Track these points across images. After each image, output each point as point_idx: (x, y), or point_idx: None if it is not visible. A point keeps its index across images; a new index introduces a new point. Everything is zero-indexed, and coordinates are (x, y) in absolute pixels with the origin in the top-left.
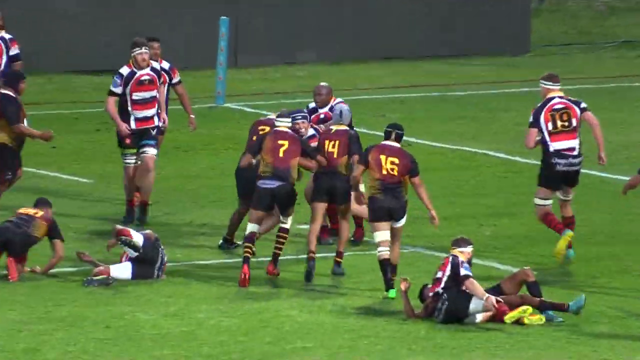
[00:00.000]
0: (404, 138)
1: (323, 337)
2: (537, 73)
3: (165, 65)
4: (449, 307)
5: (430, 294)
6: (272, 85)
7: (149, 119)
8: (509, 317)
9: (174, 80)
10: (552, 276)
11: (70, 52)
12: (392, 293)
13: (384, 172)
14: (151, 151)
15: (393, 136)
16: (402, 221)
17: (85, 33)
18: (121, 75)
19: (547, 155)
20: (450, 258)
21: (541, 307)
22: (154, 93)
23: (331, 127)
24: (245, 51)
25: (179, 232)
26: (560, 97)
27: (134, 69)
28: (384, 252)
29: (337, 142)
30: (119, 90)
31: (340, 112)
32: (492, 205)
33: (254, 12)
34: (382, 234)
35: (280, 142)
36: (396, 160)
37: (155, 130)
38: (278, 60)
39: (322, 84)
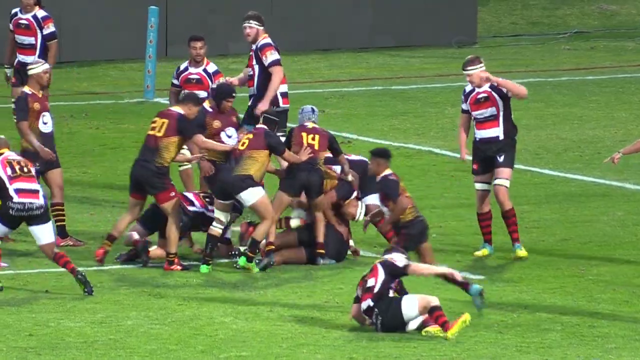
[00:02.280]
0: (345, 135)
1: (259, 345)
2: (485, 65)
3: (211, 68)
4: (383, 320)
5: (363, 304)
6: None
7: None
8: (452, 332)
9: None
10: (501, 280)
11: None
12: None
13: None
14: None
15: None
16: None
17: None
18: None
19: (515, 133)
20: (379, 263)
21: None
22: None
23: (306, 123)
24: (176, 42)
25: (106, 234)
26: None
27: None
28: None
29: (316, 136)
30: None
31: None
32: (438, 206)
33: (185, 1)
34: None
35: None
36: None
37: None
38: (210, 52)
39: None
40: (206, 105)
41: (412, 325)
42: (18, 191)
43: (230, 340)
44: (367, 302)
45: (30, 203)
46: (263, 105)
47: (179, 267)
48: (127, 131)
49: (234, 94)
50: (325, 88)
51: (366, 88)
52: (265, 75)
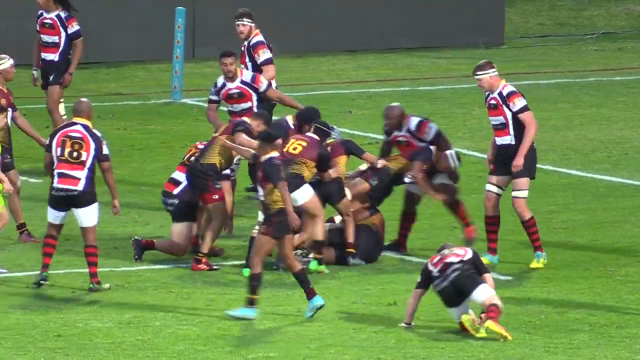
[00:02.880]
0: (372, 136)
1: (287, 346)
2: (512, 66)
3: (247, 77)
4: (457, 277)
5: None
6: None
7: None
8: (483, 331)
9: (261, 89)
10: (529, 281)
11: (19, 45)
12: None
13: None
14: None
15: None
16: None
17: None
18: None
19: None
20: (470, 250)
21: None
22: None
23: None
24: (204, 43)
25: (133, 235)
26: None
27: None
28: None
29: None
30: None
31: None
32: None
33: (213, 1)
34: None
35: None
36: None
37: None
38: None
39: (393, 104)
40: (289, 120)
41: (463, 309)
42: (60, 175)
43: (257, 340)
44: (453, 259)
45: (69, 189)
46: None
47: (206, 267)
48: (154, 132)
49: (315, 119)
50: (352, 89)
51: (393, 89)
52: (258, 73)
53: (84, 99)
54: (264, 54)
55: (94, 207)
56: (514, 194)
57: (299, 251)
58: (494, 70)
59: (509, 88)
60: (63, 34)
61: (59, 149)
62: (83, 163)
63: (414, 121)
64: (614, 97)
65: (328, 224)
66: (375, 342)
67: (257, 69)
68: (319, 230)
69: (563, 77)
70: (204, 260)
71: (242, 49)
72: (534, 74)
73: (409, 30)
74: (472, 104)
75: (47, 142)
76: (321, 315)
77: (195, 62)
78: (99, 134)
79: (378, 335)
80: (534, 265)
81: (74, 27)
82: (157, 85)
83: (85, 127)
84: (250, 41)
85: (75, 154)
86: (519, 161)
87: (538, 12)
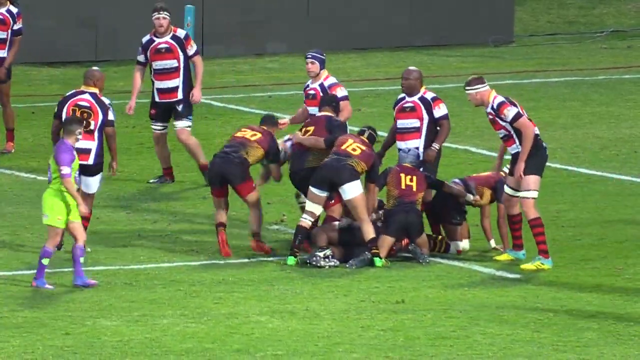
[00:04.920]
0: (382, 134)
1: (295, 344)
2: (521, 64)
3: (180, 33)
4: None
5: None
6: (241, 77)
7: (172, 90)
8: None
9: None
10: (537, 279)
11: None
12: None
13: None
14: (179, 124)
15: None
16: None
17: (43, 23)
18: (141, 42)
19: (537, 140)
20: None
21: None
22: (174, 62)
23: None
24: (213, 41)
25: (142, 233)
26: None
27: (153, 36)
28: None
29: (414, 177)
30: (141, 58)
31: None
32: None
33: (222, 0)
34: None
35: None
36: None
37: (181, 106)
38: (248, 51)
39: (411, 68)
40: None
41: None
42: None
43: (266, 338)
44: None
45: (81, 164)
46: (198, 93)
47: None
48: None
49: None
50: (362, 87)
51: None
52: (189, 64)
53: (95, 68)
54: (194, 46)
55: (99, 177)
56: (522, 194)
57: (322, 252)
58: (482, 85)
59: (498, 99)
60: (9, 31)
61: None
62: (92, 132)
63: (429, 95)
64: (623, 95)
65: (336, 222)
66: (383, 341)
67: (189, 60)
68: (369, 231)
69: (572, 75)
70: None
71: (165, 44)
72: (543, 72)
73: (418, 29)
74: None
75: (56, 109)
76: (329, 314)
77: (204, 60)
78: (106, 101)
79: (386, 333)
80: (525, 267)
81: (19, 24)
82: None
83: (94, 95)
84: (178, 34)
85: (84, 122)
86: (520, 167)
87: (547, 11)
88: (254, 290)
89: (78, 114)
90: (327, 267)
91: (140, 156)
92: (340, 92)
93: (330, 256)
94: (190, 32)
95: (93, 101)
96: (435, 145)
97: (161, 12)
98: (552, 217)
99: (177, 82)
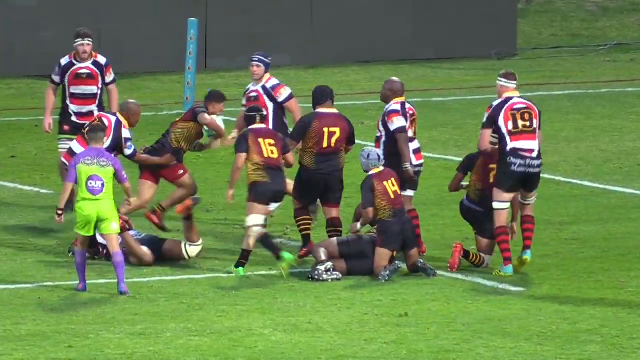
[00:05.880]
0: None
1: (298, 357)
2: (524, 77)
3: (102, 60)
4: None
5: None
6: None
7: (89, 114)
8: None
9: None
10: (540, 292)
11: (31, 56)
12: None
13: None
14: None
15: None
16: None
17: (47, 36)
18: (59, 64)
19: (504, 154)
20: None
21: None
22: (94, 89)
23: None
24: (216, 54)
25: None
26: (519, 97)
27: (73, 60)
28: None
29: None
30: (56, 79)
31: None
32: None
33: (225, 13)
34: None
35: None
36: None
37: None
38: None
39: (391, 78)
40: None
41: None
42: None
43: (269, 352)
44: None
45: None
46: None
47: (156, 220)
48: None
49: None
50: (365, 100)
51: (406, 100)
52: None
53: (132, 100)
54: (285, 91)
55: None
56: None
57: (323, 266)
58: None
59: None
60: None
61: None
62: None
63: (391, 107)
64: (626, 109)
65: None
66: (386, 354)
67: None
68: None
69: (575, 88)
70: (158, 212)
71: (88, 70)
72: (546, 85)
73: (421, 42)
74: (483, 115)
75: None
76: (333, 326)
77: (207, 73)
78: (127, 134)
79: (389, 346)
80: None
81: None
82: (169, 97)
83: (118, 121)
84: (99, 60)
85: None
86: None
87: (551, 24)
88: (257, 303)
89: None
90: (330, 280)
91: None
92: (285, 92)
93: (331, 269)
94: (193, 45)
95: (113, 124)
96: (406, 165)
97: (85, 39)
98: (556, 230)
99: (94, 107)
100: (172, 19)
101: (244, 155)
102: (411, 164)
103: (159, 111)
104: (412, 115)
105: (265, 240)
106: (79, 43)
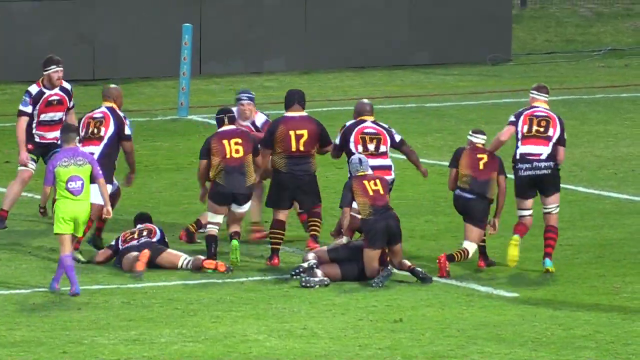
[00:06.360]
0: None
1: None
2: (519, 83)
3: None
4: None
5: None
6: None
7: (53, 138)
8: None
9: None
10: (535, 297)
11: (26, 61)
12: None
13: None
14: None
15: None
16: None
17: (42, 42)
18: (30, 93)
19: (514, 162)
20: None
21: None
22: (61, 114)
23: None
24: (211, 60)
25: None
26: (545, 108)
27: (43, 88)
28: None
29: (377, 182)
30: (29, 109)
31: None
32: None
33: (220, 18)
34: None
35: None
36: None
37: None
38: (245, 69)
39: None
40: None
41: None
42: None
43: (263, 357)
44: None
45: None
46: None
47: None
48: (160, 149)
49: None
50: None
51: (400, 105)
52: None
53: (113, 85)
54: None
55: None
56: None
57: (306, 264)
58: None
59: None
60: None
61: (83, 131)
62: (101, 138)
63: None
64: (621, 114)
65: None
66: (381, 359)
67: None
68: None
69: (570, 93)
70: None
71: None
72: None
73: (416, 47)
74: (479, 120)
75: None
76: (327, 332)
77: (202, 78)
78: (122, 114)
79: (384, 352)
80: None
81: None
82: (163, 102)
83: (110, 108)
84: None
85: (95, 130)
86: None
87: (545, 29)
88: (251, 309)
89: (92, 125)
90: (317, 286)
91: (138, 175)
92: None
93: (314, 266)
94: (188, 51)
95: (108, 112)
96: None
97: (59, 65)
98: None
99: (57, 133)
100: (167, 24)
101: (203, 162)
102: None
103: (153, 117)
104: (374, 134)
105: (208, 241)
106: (53, 70)
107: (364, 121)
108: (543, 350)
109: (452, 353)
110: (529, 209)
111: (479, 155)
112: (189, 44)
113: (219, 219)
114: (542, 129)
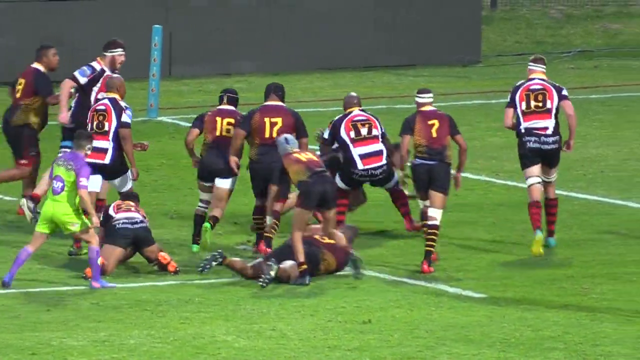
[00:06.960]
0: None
1: None
2: (488, 84)
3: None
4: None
5: None
6: (208, 97)
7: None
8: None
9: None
10: (504, 298)
11: None
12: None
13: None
14: None
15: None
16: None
17: (7, 43)
18: (93, 68)
19: (519, 135)
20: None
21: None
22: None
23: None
24: (180, 61)
25: None
26: (541, 79)
27: (105, 68)
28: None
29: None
30: (83, 80)
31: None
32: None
33: (189, 20)
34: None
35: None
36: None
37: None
38: (213, 71)
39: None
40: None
41: None
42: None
43: (232, 358)
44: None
45: (96, 163)
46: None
47: None
48: None
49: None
50: (330, 107)
51: (371, 107)
52: None
53: (116, 75)
54: None
55: (126, 175)
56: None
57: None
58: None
59: None
60: None
61: (89, 125)
62: (107, 133)
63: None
64: (590, 115)
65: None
66: None
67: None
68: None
69: None
70: None
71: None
72: (510, 91)
73: (386, 49)
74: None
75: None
76: (296, 333)
77: (172, 80)
78: (123, 104)
79: (352, 353)
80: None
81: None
82: (133, 103)
83: (112, 99)
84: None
85: (100, 125)
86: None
87: (515, 31)
88: (220, 310)
89: (96, 118)
90: (263, 284)
91: None
92: None
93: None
94: (158, 52)
95: (110, 104)
96: None
97: (124, 49)
98: (519, 236)
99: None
100: (136, 26)
101: (194, 131)
102: (356, 167)
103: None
104: (364, 120)
105: (195, 219)
106: (118, 53)
107: (352, 112)
108: (512, 351)
109: (421, 354)
110: (537, 175)
111: (430, 122)
112: (159, 45)
113: (205, 196)
114: (540, 104)
